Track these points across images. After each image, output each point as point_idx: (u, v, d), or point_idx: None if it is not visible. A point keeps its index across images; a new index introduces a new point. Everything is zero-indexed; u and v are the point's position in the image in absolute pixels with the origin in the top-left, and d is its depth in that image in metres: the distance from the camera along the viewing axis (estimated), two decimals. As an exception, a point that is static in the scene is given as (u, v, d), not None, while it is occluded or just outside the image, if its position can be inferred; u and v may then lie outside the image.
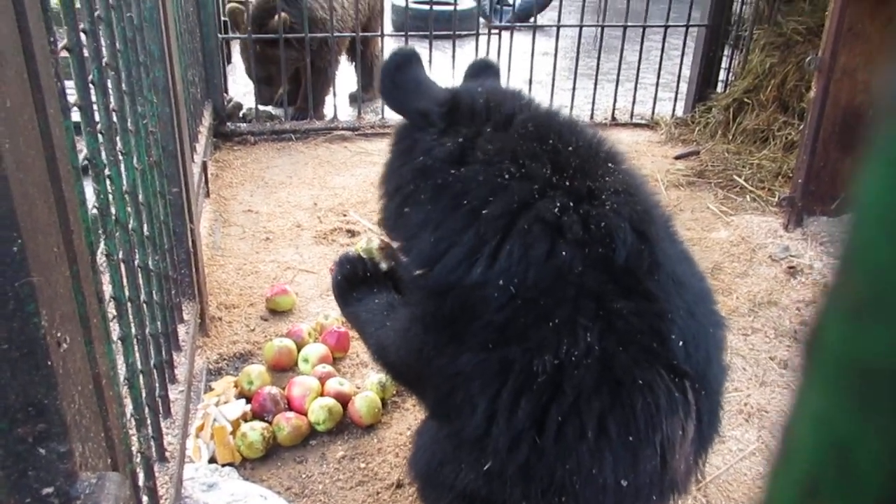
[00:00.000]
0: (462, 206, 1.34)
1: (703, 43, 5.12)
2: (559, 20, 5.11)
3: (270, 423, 2.20)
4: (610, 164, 1.41)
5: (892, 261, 0.22)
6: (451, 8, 5.74)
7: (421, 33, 5.45)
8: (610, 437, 1.22)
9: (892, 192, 0.22)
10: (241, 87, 5.78)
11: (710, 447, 1.45)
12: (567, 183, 1.33)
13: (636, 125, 5.27)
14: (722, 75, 5.28)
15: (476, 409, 1.30)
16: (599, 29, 5.14)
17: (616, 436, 1.22)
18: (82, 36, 1.23)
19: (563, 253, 1.24)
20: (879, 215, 0.22)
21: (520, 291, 1.25)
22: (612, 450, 1.22)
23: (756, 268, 3.30)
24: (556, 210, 1.27)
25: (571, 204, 1.29)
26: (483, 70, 1.81)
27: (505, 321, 1.26)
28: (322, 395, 2.32)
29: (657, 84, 5.22)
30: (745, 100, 4.63)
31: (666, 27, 5.07)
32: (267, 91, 5.01)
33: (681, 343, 1.26)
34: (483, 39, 5.06)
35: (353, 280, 1.79)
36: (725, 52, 5.22)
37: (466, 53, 5.47)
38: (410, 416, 2.34)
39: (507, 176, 1.34)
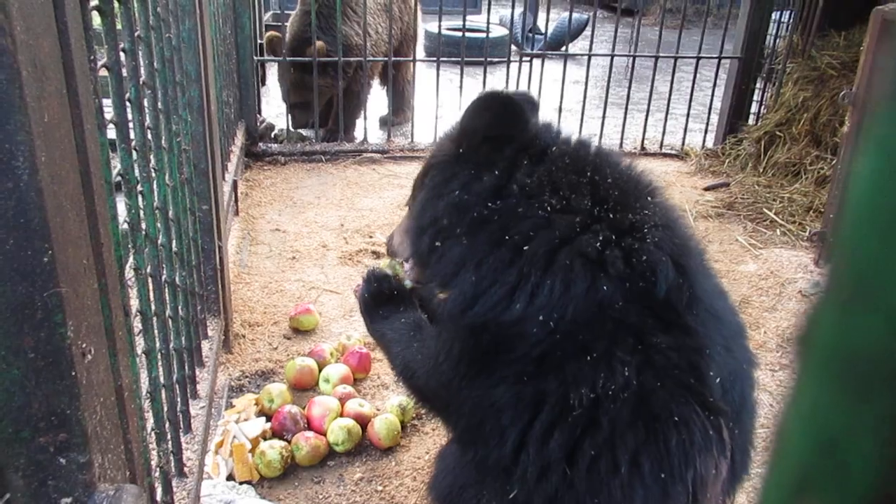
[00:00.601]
0: (504, 242, 1.32)
1: (735, 75, 5.10)
2: (590, 49, 5.13)
3: (289, 442, 2.20)
4: (648, 198, 1.40)
5: (879, 253, 0.23)
6: (483, 35, 5.79)
7: (453, 59, 5.49)
8: (642, 472, 1.21)
9: (880, 187, 0.22)
10: (273, 109, 5.88)
11: (740, 486, 1.43)
12: (609, 216, 1.31)
13: (666, 155, 5.25)
14: (754, 108, 5.24)
15: (506, 438, 1.30)
16: (631, 59, 5.15)
17: (648, 471, 1.21)
18: (121, 55, 1.27)
19: (605, 287, 1.23)
20: (868, 210, 0.23)
21: (559, 326, 1.24)
22: (644, 485, 1.21)
23: (785, 303, 3.24)
24: (599, 245, 1.26)
25: (613, 238, 1.28)
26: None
27: (542, 354, 1.25)
28: (342, 415, 2.32)
29: (688, 115, 5.21)
30: (777, 133, 4.59)
31: (698, 58, 5.07)
32: (302, 116, 5.09)
33: (718, 380, 1.26)
34: (514, 66, 5.09)
35: (379, 298, 1.79)
36: (758, 85, 5.19)
37: (497, 80, 5.51)
38: (430, 439, 2.32)
39: (548, 209, 1.32)
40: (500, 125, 1.43)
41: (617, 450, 1.21)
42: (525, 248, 1.28)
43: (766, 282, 3.42)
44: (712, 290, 1.37)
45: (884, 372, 0.23)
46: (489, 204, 1.37)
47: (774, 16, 5.20)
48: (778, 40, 5.14)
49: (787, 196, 4.23)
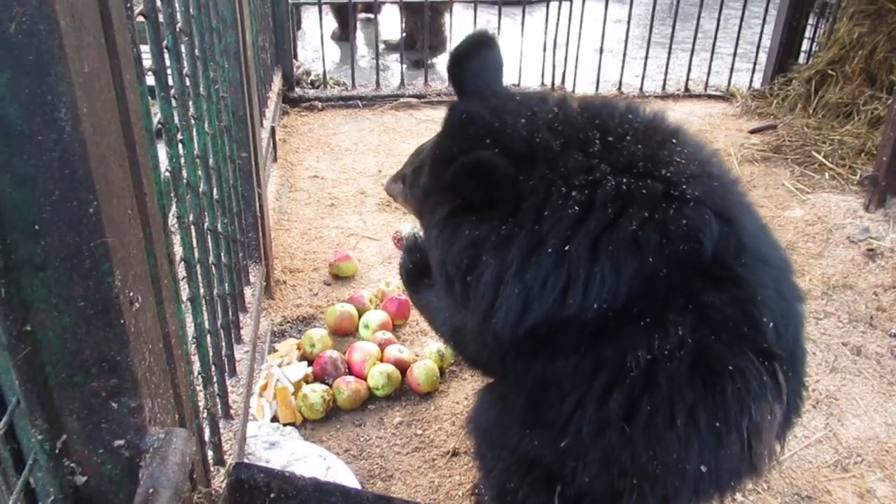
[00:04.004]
0: (540, 249, 1.26)
1: (786, 10, 4.87)
2: (633, -14, 4.95)
3: (331, 385, 2.24)
4: (673, 141, 1.35)
5: None
6: (521, -27, 5.61)
7: (490, 0, 5.35)
8: (698, 424, 1.22)
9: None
10: (309, 54, 5.83)
11: (791, 429, 1.44)
12: (639, 184, 1.26)
13: (710, 97, 5.09)
14: (805, 45, 5.02)
15: (565, 400, 1.31)
16: (676, -4, 4.96)
17: (704, 423, 1.22)
18: (157, 2, 1.25)
19: (651, 260, 1.22)
20: None
21: (613, 306, 1.24)
22: (700, 436, 1.23)
23: (832, 249, 3.16)
24: (636, 225, 1.23)
25: (652, 210, 1.24)
26: (477, 46, 1.55)
27: (596, 327, 1.26)
28: (381, 360, 2.35)
29: (734, 54, 5.02)
30: (830, 72, 4.40)
31: (747, -6, 4.86)
32: None
33: (771, 324, 1.26)
34: (553, 6, 4.94)
35: (422, 267, 1.78)
36: (810, 21, 4.96)
37: (536, 20, 5.36)
38: (468, 385, 2.35)
39: (576, 207, 1.25)
40: (490, 190, 1.31)
41: (675, 406, 1.22)
42: (567, 248, 1.24)
43: (812, 227, 3.33)
44: (755, 230, 1.34)
45: None
46: (503, 226, 1.30)
47: (830, -53, 4.94)
48: (833, -27, 4.89)
49: (837, 138, 4.08)
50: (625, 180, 1.26)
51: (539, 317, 1.26)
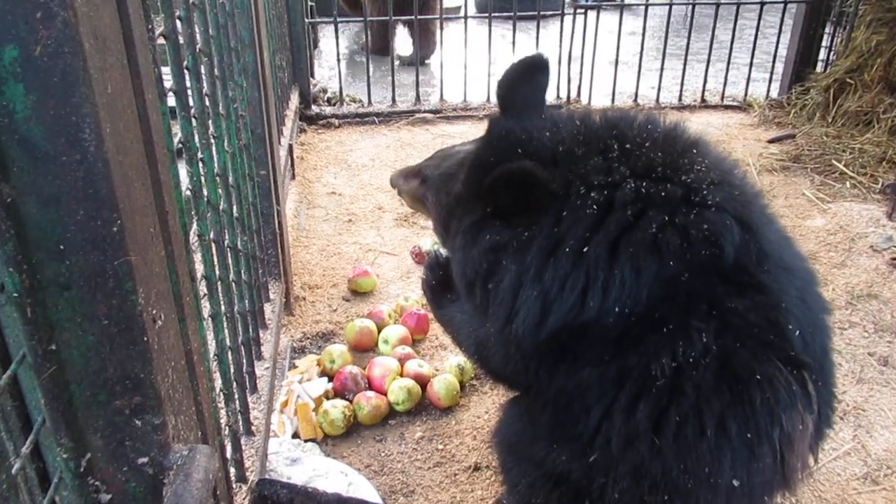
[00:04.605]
0: (558, 250, 1.26)
1: (802, 19, 4.85)
2: (648, -2, 4.95)
3: (351, 401, 2.24)
4: (694, 151, 1.34)
5: None
6: (535, -12, 5.64)
7: (505, 14, 5.38)
8: (729, 434, 1.20)
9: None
10: (326, 72, 5.88)
11: (823, 441, 1.42)
12: (658, 188, 1.26)
13: (727, 107, 5.07)
14: (822, 54, 4.99)
15: (591, 412, 1.30)
16: (690, 6, 4.95)
17: (735, 433, 1.20)
18: (178, 23, 1.27)
19: (671, 264, 1.21)
20: None
21: (634, 310, 1.23)
22: (731, 447, 1.21)
23: (855, 258, 3.12)
24: (656, 227, 1.22)
25: (672, 213, 1.24)
26: (530, 70, 1.57)
27: (619, 335, 1.25)
28: (401, 375, 2.35)
29: (751, 64, 5.00)
30: (848, 80, 4.37)
31: (762, 3, 4.83)
32: None
33: (797, 332, 1.24)
34: (568, 20, 4.95)
35: (446, 283, 1.79)
36: (827, 30, 4.93)
37: (551, 34, 5.38)
38: (489, 399, 2.34)
39: (594, 207, 1.26)
40: (525, 199, 1.32)
41: (703, 415, 1.20)
42: (585, 249, 1.24)
43: (834, 237, 3.29)
44: (778, 240, 1.34)
45: None
46: (521, 230, 1.31)
47: (845, -45, 4.92)
48: (849, -19, 4.86)
49: (857, 147, 4.04)
50: (644, 184, 1.26)
51: (559, 320, 1.26)
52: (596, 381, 1.28)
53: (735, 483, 1.22)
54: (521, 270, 1.30)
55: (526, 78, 1.54)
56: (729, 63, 4.97)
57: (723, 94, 5.09)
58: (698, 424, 1.20)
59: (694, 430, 1.21)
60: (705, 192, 1.26)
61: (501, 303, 1.33)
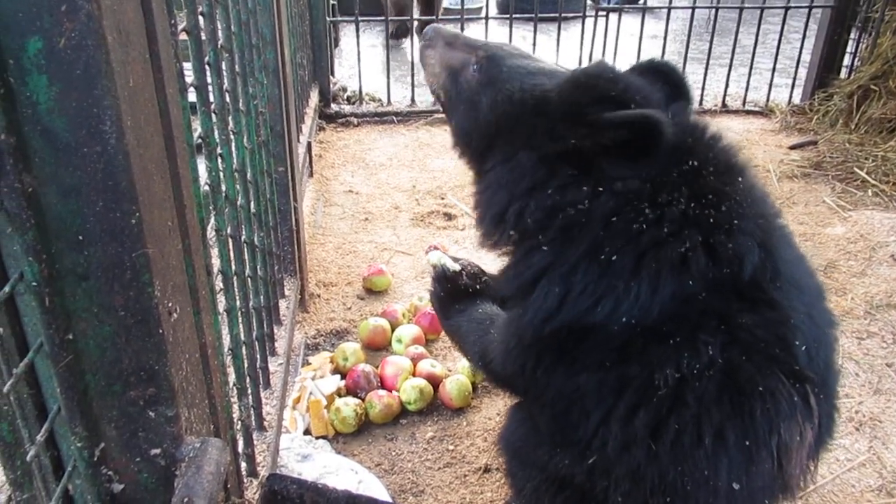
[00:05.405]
0: (594, 255, 1.25)
1: (827, 25, 4.80)
2: (670, 2, 4.91)
3: (363, 399, 2.25)
4: (739, 178, 1.34)
5: None
6: (557, -10, 5.63)
7: (526, 16, 5.37)
8: (727, 442, 1.22)
9: None
10: (346, 70, 5.90)
11: (823, 451, 1.44)
12: (703, 212, 1.25)
13: (749, 112, 5.02)
14: (846, 60, 4.92)
15: (589, 418, 1.31)
16: (713, 10, 4.91)
17: (733, 441, 1.21)
18: (200, 19, 1.28)
19: (690, 283, 1.22)
20: None
21: (642, 323, 1.23)
22: (728, 454, 1.22)
23: (875, 267, 3.08)
24: (688, 246, 1.22)
25: (701, 238, 1.24)
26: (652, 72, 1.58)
27: (622, 343, 1.25)
28: (414, 375, 2.35)
29: (773, 69, 4.95)
30: (872, 86, 4.31)
31: (787, 8, 4.79)
32: None
33: (804, 348, 1.26)
34: (589, 22, 4.93)
35: (455, 294, 1.83)
36: (852, 35, 4.87)
37: (572, 36, 5.36)
38: (500, 401, 2.33)
39: (642, 221, 1.24)
40: (632, 153, 1.25)
41: (702, 425, 1.21)
42: (613, 258, 1.25)
43: (854, 245, 3.25)
44: (792, 259, 1.35)
45: None
46: (580, 210, 1.28)
47: (872, -40, 4.86)
48: (876, -13, 4.80)
49: (880, 154, 3.98)
50: (693, 205, 1.26)
51: (566, 318, 1.27)
52: (595, 387, 1.28)
53: (735, 486, 1.23)
54: (552, 260, 1.30)
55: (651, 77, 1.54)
56: (751, 68, 4.92)
57: (744, 98, 5.05)
58: (696, 433, 1.21)
59: (692, 437, 1.22)
60: (735, 221, 1.27)
61: (520, 279, 1.35)
